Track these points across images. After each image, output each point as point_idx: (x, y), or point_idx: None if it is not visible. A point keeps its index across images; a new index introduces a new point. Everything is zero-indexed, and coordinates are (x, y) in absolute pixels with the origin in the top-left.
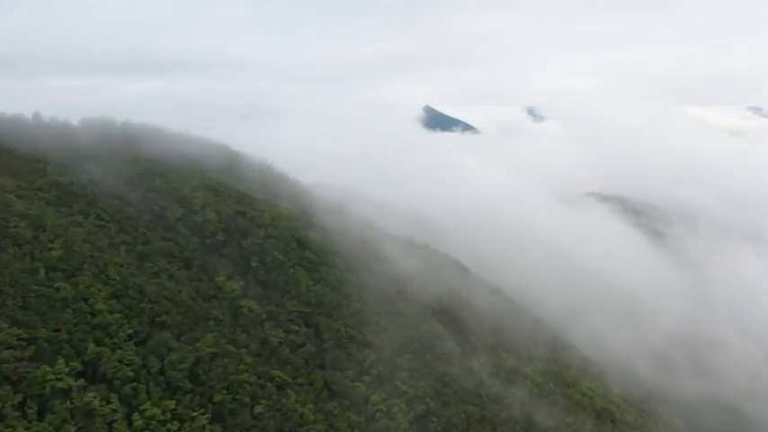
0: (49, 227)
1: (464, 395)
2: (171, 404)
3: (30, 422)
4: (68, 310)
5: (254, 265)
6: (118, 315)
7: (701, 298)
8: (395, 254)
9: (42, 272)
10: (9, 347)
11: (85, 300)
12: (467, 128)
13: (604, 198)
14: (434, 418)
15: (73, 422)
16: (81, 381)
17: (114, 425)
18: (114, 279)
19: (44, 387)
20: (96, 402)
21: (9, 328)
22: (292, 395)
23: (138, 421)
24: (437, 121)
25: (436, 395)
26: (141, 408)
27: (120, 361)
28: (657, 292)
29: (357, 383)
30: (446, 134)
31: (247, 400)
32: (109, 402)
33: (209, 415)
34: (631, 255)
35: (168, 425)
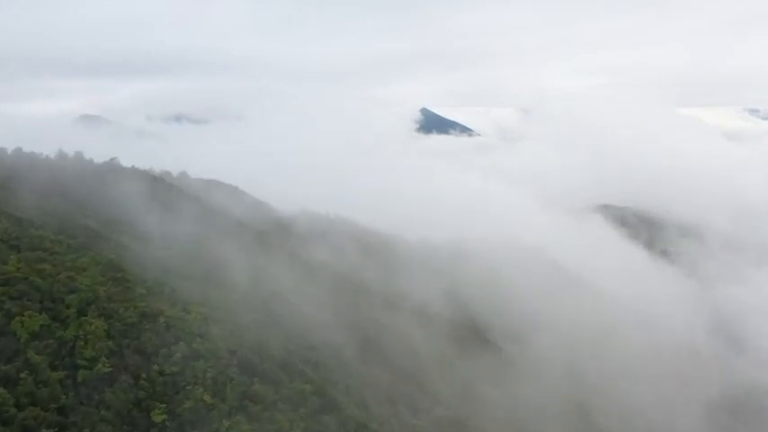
0: None
1: None
2: None
3: None
4: None
5: (157, 419)
6: None
7: (728, 332)
8: (401, 342)
9: None
10: None
11: None
12: (464, 130)
13: (603, 209)
14: None
15: None
16: None
17: None
18: None
19: None
20: None
21: None
22: None
23: None
24: (433, 123)
25: None
26: None
27: None
28: (682, 328)
29: None
30: (442, 137)
31: None
32: None
33: None
34: (645, 280)
35: None
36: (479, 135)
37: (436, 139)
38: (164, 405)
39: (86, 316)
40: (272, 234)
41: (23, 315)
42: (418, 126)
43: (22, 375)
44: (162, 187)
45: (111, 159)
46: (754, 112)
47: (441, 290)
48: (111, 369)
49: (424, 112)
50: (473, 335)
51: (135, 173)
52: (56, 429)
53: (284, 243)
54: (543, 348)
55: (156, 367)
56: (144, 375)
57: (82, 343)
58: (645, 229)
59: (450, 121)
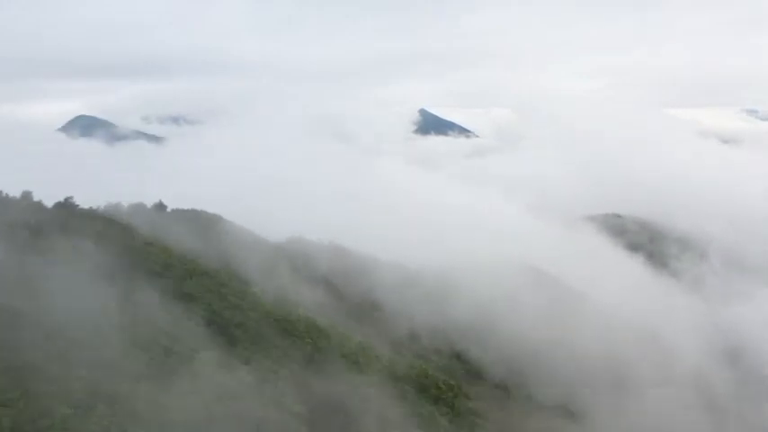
0: None
1: None
2: None
3: None
4: None
5: None
6: None
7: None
8: None
9: None
10: None
11: None
12: (462, 131)
13: (603, 219)
14: None
15: None
16: None
17: None
18: None
19: None
20: None
21: None
22: None
23: None
24: (432, 124)
25: None
26: None
27: None
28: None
29: None
30: (440, 138)
31: None
32: None
33: None
34: (655, 301)
35: None
36: (477, 136)
37: (434, 141)
38: None
39: None
40: (252, 277)
41: None
42: (416, 127)
43: None
44: (121, 236)
45: (66, 199)
46: (752, 112)
47: (431, 328)
48: None
49: (423, 113)
50: (469, 389)
51: (89, 219)
52: None
53: (263, 292)
54: (550, 392)
55: None
56: None
57: None
58: (647, 240)
59: (448, 122)
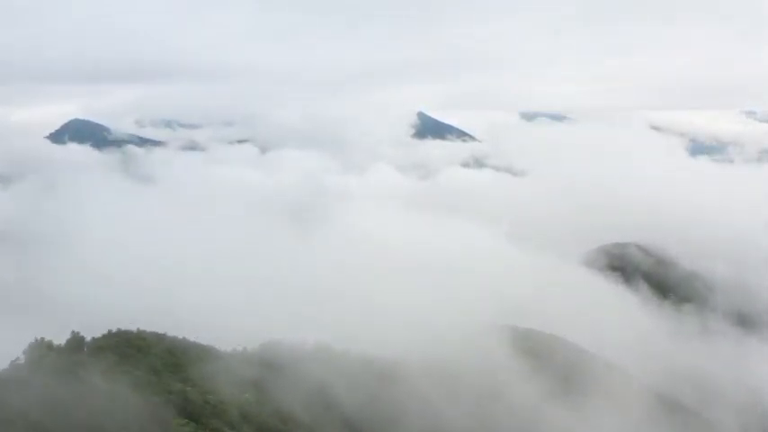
0: None
1: None
2: None
3: None
4: None
5: None
6: None
7: None
8: None
9: None
10: None
11: None
12: (460, 134)
13: (599, 253)
14: None
15: None
16: None
17: None
18: None
19: None
20: None
21: None
22: None
23: None
24: (430, 127)
25: None
26: None
27: None
28: None
29: None
30: (437, 142)
31: None
32: None
33: None
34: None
35: None
36: (475, 140)
37: (431, 145)
38: None
39: None
40: None
41: None
42: (414, 131)
43: None
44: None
45: None
46: (751, 114)
47: None
48: None
49: (421, 116)
50: None
51: None
52: None
53: None
54: None
55: None
56: None
57: None
58: (650, 271)
59: (446, 125)
